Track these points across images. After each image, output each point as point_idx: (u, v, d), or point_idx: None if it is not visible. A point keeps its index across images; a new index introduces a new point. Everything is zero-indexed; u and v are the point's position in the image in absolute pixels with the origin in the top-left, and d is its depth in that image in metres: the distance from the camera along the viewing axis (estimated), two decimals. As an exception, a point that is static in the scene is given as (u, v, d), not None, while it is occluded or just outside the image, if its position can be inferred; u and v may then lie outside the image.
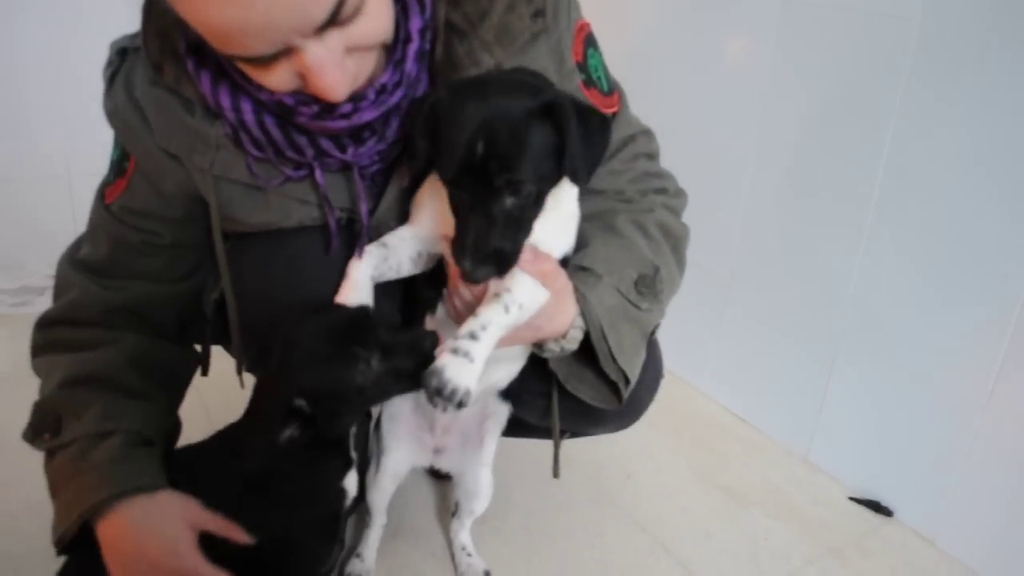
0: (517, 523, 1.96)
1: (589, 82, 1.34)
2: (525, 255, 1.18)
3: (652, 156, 1.48)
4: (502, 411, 1.58)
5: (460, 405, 1.10)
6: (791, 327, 2.27)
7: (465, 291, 1.26)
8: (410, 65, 1.18)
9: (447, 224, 1.20)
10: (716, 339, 2.52)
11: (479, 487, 1.65)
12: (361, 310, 1.21)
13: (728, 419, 2.49)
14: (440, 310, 1.36)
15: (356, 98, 1.14)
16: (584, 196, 1.35)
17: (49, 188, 2.97)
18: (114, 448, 1.25)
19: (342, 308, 1.22)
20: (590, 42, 1.36)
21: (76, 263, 1.38)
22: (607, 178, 1.40)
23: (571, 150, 1.09)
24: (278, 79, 1.06)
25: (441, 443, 1.61)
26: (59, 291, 1.40)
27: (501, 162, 1.06)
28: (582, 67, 1.33)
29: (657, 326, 1.43)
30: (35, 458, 1.32)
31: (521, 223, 1.13)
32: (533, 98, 1.08)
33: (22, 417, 1.32)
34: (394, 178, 1.30)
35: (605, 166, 1.38)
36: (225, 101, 1.17)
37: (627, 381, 1.35)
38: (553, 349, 1.32)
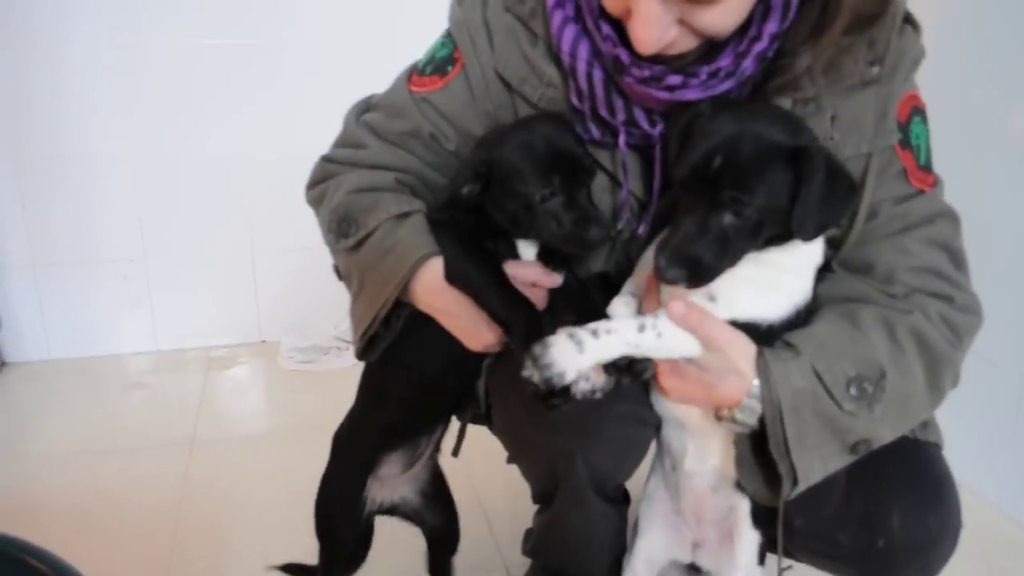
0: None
1: (906, 144, 1.25)
2: (677, 307, 1.14)
3: (954, 255, 1.28)
4: (743, 504, 1.43)
5: (549, 382, 1.10)
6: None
7: None
8: (748, 62, 1.17)
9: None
10: (1010, 443, 2.24)
11: None
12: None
13: (1022, 535, 2.20)
14: None
15: (688, 73, 1.17)
16: (845, 273, 1.28)
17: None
18: (418, 222, 1.32)
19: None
20: (918, 112, 1.28)
21: (366, 124, 1.45)
22: (891, 254, 1.26)
23: (805, 199, 1.07)
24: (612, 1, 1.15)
25: (699, 536, 1.52)
26: (345, 142, 1.47)
27: (734, 179, 1.07)
28: (903, 128, 1.25)
29: (867, 444, 1.20)
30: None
31: (729, 246, 1.11)
32: (789, 136, 1.09)
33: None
34: None
35: (896, 240, 1.25)
36: (567, 44, 1.24)
37: (795, 482, 1.18)
38: (724, 415, 1.21)
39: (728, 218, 1.09)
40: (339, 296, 1.45)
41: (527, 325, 1.22)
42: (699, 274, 1.11)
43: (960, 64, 2.15)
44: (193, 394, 2.91)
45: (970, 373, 1.29)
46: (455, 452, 1.66)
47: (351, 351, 1.50)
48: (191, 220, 3.21)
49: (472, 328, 1.32)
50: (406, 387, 1.48)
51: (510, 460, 1.57)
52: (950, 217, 1.29)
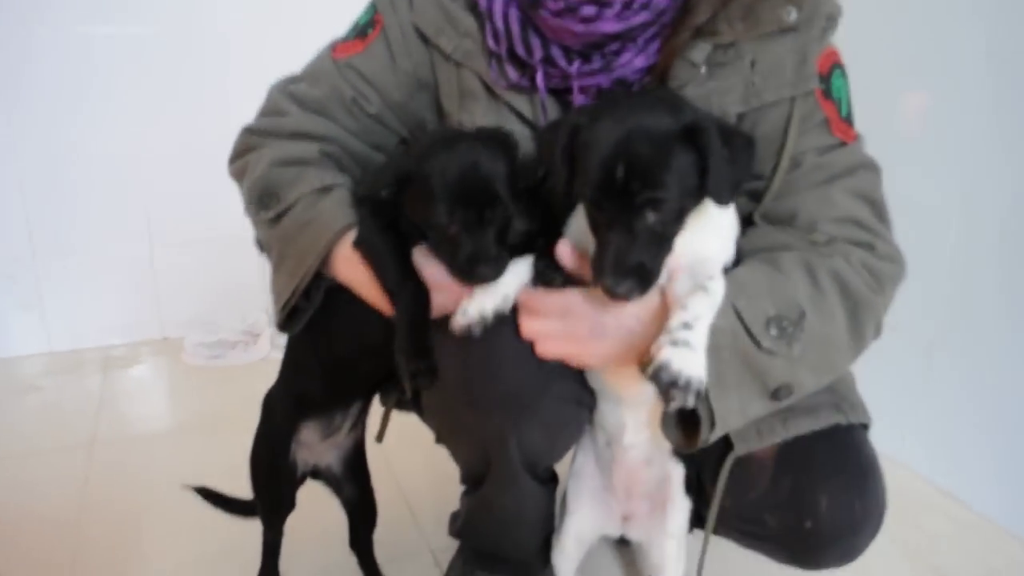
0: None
1: (828, 95, 1.27)
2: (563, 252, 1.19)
3: (876, 206, 1.29)
4: (677, 472, 1.45)
5: (698, 394, 1.08)
6: (1006, 394, 2.06)
7: None
8: None
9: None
10: (918, 406, 2.32)
11: (665, 560, 1.51)
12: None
13: (934, 494, 2.27)
14: None
15: (602, 3, 1.21)
16: (767, 225, 1.29)
17: (241, 248, 3.13)
18: (341, 196, 1.34)
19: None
20: (838, 67, 1.30)
21: (288, 93, 1.45)
22: (814, 204, 1.26)
23: (714, 172, 1.08)
24: None
25: (629, 509, 1.52)
26: (267, 111, 1.48)
27: (643, 181, 1.06)
28: (824, 80, 1.27)
29: (788, 389, 1.19)
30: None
31: (662, 239, 1.11)
32: (674, 118, 1.08)
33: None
34: None
35: (819, 190, 1.26)
36: None
37: (712, 424, 1.15)
38: (647, 369, 1.14)
39: (651, 216, 1.08)
40: (245, 289, 1.41)
41: (412, 305, 1.25)
42: (647, 278, 1.10)
43: (858, 49, 2.20)
44: (91, 395, 2.78)
45: (880, 339, 1.30)
46: (379, 437, 1.61)
47: (259, 344, 1.45)
48: (84, 216, 3.10)
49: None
50: (317, 363, 1.50)
51: (439, 441, 1.53)
52: (872, 168, 1.30)
